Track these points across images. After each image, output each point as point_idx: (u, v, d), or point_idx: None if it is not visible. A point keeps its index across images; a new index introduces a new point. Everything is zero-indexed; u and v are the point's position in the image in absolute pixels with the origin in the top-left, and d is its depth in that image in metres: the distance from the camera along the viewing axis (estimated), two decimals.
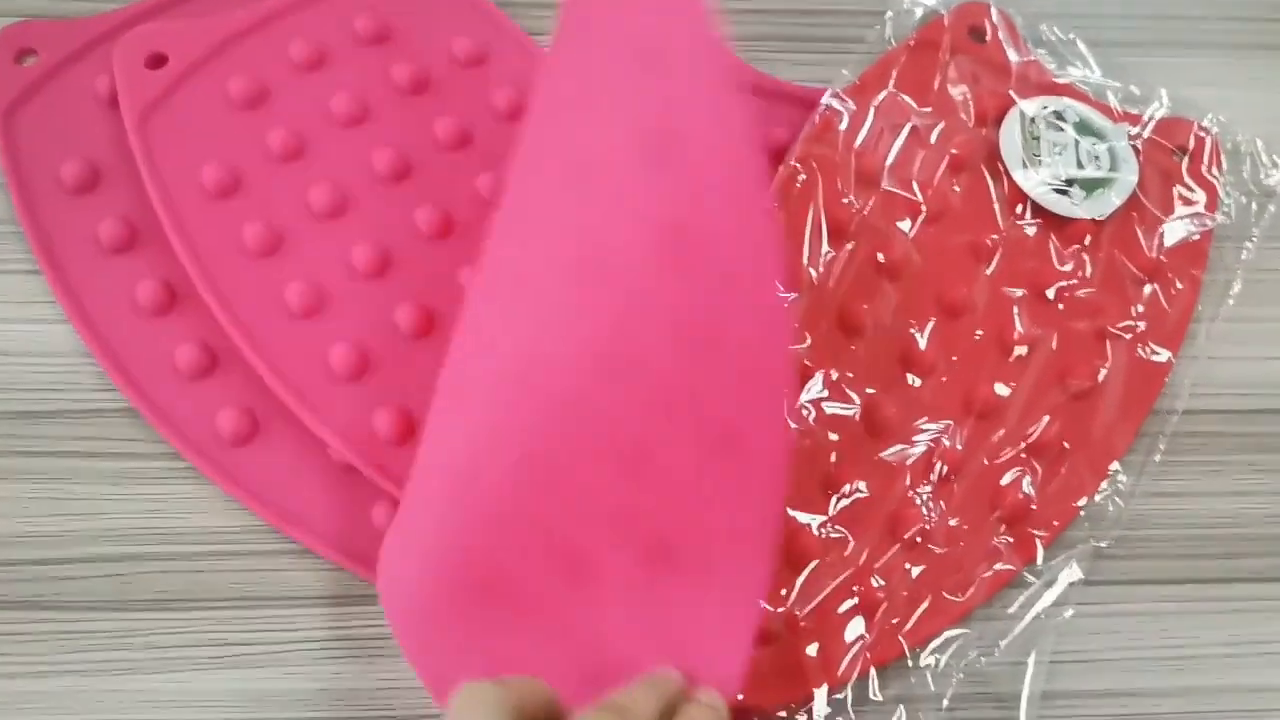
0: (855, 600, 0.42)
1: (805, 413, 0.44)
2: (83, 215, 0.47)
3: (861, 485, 0.44)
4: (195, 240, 0.44)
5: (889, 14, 0.52)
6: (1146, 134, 0.50)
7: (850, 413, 0.45)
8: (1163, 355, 0.46)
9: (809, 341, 0.45)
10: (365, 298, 0.45)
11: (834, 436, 0.44)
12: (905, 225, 0.48)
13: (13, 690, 0.39)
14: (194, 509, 0.43)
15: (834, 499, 0.43)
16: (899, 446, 0.44)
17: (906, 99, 0.50)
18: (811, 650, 0.41)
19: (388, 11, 0.50)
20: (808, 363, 0.45)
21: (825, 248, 0.47)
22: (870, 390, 0.45)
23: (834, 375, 0.45)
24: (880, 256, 0.47)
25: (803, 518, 0.43)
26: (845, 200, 0.48)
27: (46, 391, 0.44)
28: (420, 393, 0.39)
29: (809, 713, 0.41)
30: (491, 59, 0.50)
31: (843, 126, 0.49)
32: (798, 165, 0.48)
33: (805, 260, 0.46)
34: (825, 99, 0.49)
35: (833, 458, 0.44)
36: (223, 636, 0.41)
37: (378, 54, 0.49)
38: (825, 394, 0.45)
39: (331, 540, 0.42)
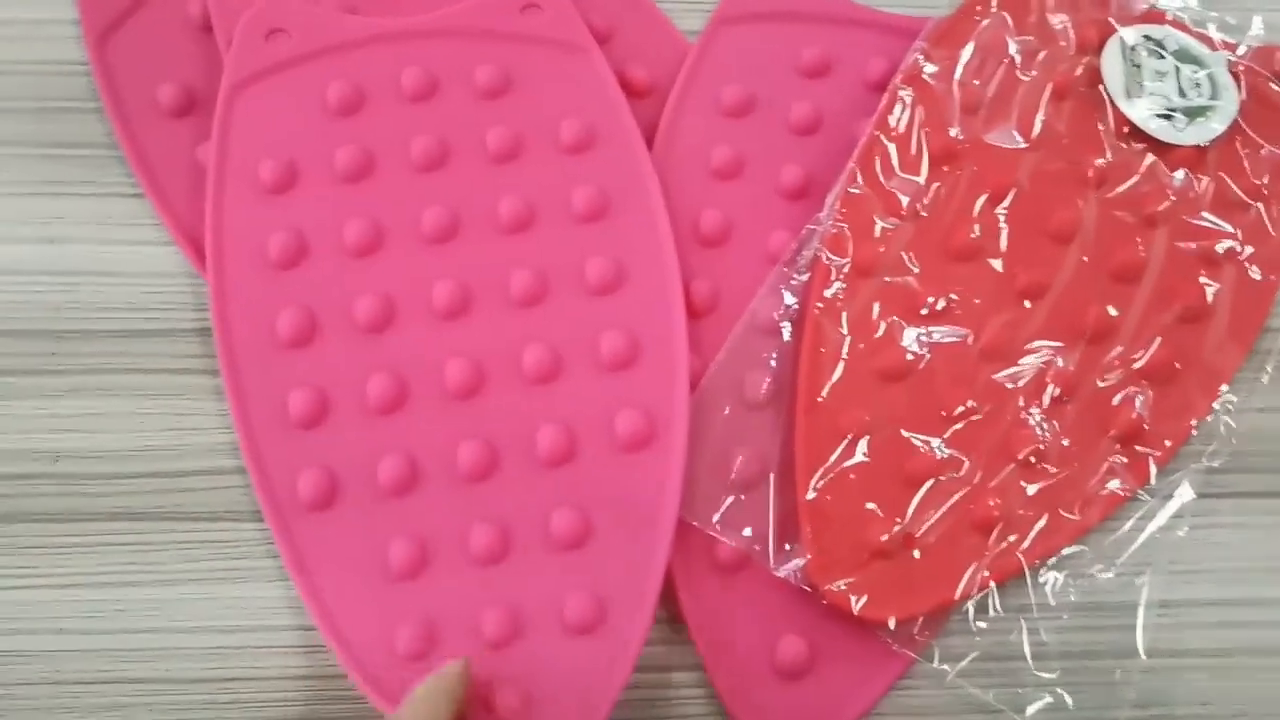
0: (973, 518, 0.42)
1: (919, 336, 0.44)
2: (181, 137, 0.46)
3: (974, 406, 0.43)
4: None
5: None
6: (1244, 61, 0.50)
7: (961, 337, 0.44)
8: (1269, 276, 0.46)
9: (919, 269, 0.45)
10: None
11: (945, 361, 0.44)
12: (1010, 152, 0.47)
13: (140, 598, 0.40)
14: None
15: (948, 420, 0.43)
16: (1011, 369, 0.44)
17: (1007, 27, 0.49)
18: (929, 566, 0.41)
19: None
20: (918, 288, 0.45)
21: (930, 177, 0.47)
22: (980, 315, 0.45)
23: (944, 301, 0.45)
24: (986, 184, 0.47)
25: (917, 439, 0.43)
26: (948, 130, 0.47)
27: (155, 311, 0.44)
28: None
29: (927, 627, 0.41)
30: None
31: (942, 58, 0.48)
32: (900, 96, 0.47)
33: (911, 189, 0.46)
34: (926, 30, 0.49)
35: (943, 379, 0.44)
36: None
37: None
38: (936, 316, 0.44)
39: None
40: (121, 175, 0.45)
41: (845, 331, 0.44)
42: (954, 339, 0.44)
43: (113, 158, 0.46)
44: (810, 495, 0.41)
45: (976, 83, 0.48)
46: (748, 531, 0.41)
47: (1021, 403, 0.44)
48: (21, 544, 0.40)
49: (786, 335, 0.44)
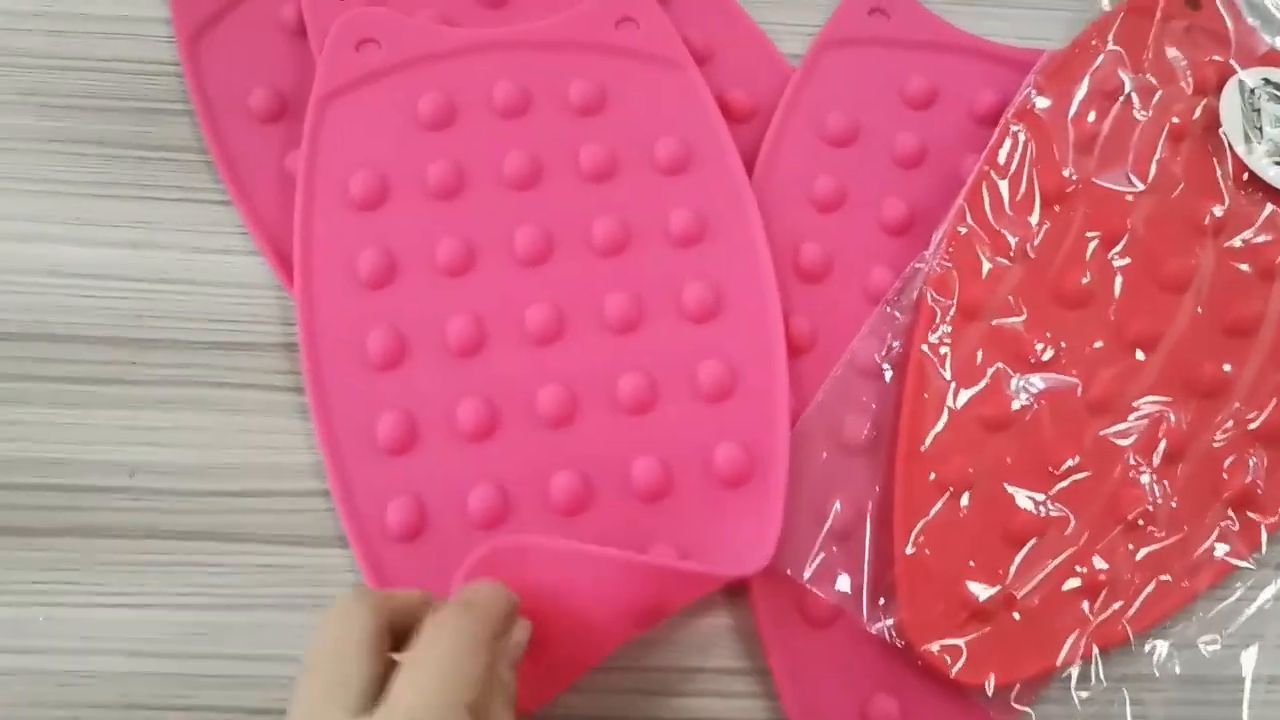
0: (1077, 581, 0.40)
1: (1025, 386, 0.42)
2: (271, 144, 0.45)
3: (1081, 462, 0.42)
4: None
5: None
6: None
7: (1070, 387, 0.42)
8: None
9: (1026, 314, 0.43)
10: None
11: (1052, 412, 0.42)
12: (1124, 195, 0.45)
13: (215, 621, 0.38)
14: None
15: (1053, 476, 0.41)
16: (1121, 424, 0.42)
17: (1123, 63, 0.48)
18: (1030, 630, 0.39)
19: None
20: (1026, 334, 0.43)
21: (1040, 217, 0.45)
22: (1090, 365, 0.43)
23: (1051, 349, 0.43)
24: (1098, 227, 0.45)
25: (1021, 494, 0.41)
26: (1060, 169, 0.45)
27: (239, 323, 0.43)
28: None
29: (1026, 693, 0.39)
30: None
31: (1055, 93, 0.47)
32: (1011, 131, 0.45)
33: (1021, 229, 0.44)
34: (1040, 63, 0.47)
35: (1050, 431, 0.42)
36: None
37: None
38: (1043, 365, 0.43)
39: None
40: (210, 181, 0.44)
41: (949, 377, 0.42)
42: (1062, 388, 0.42)
43: (202, 162, 0.45)
44: (909, 549, 0.39)
45: (1090, 120, 0.46)
46: (841, 584, 0.40)
47: (1130, 460, 0.42)
48: (98, 559, 0.39)
49: (888, 378, 0.43)
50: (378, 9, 0.45)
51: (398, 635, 0.29)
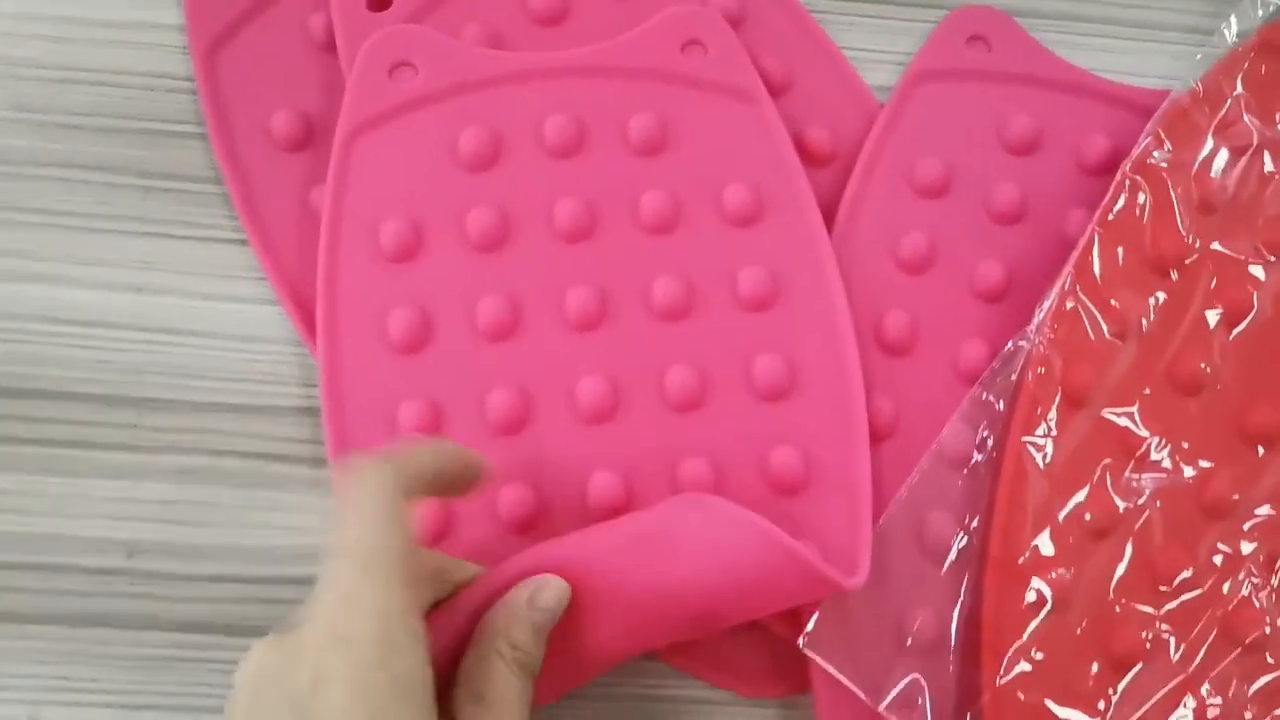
0: (1187, 715, 0.36)
1: (1134, 485, 0.37)
2: (294, 175, 0.40)
3: (1194, 576, 0.37)
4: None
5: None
6: None
7: (1183, 488, 0.38)
8: None
9: (1139, 403, 0.38)
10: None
11: (1164, 516, 0.37)
12: (1254, 267, 0.40)
13: None
14: None
15: (1163, 592, 0.37)
16: (1238, 533, 0.38)
17: (1253, 113, 0.42)
18: None
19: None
20: (1133, 426, 0.38)
21: (1157, 287, 0.40)
22: (1206, 463, 0.38)
23: (1165, 442, 0.38)
24: (1220, 301, 0.40)
25: (1128, 612, 0.36)
26: (1181, 233, 0.40)
27: (252, 383, 0.38)
28: None
29: None
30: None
31: (1178, 144, 0.41)
32: (1125, 188, 0.40)
33: (1135, 303, 0.39)
34: (1161, 110, 0.42)
35: (1161, 539, 0.37)
36: None
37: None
38: (1155, 463, 0.38)
39: None
40: (224, 216, 0.40)
41: (1051, 477, 0.37)
42: (1175, 489, 0.38)
43: (216, 195, 0.40)
44: (1001, 679, 0.35)
45: (1215, 177, 0.41)
46: (922, 713, 0.35)
47: (1248, 576, 0.37)
48: (91, 652, 0.35)
49: (981, 473, 0.38)
50: (413, 27, 0.40)
51: None
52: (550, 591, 0.30)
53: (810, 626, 0.34)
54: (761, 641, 0.37)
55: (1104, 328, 0.39)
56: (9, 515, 0.36)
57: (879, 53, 0.44)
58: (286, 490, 0.37)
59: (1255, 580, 0.37)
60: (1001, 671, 0.35)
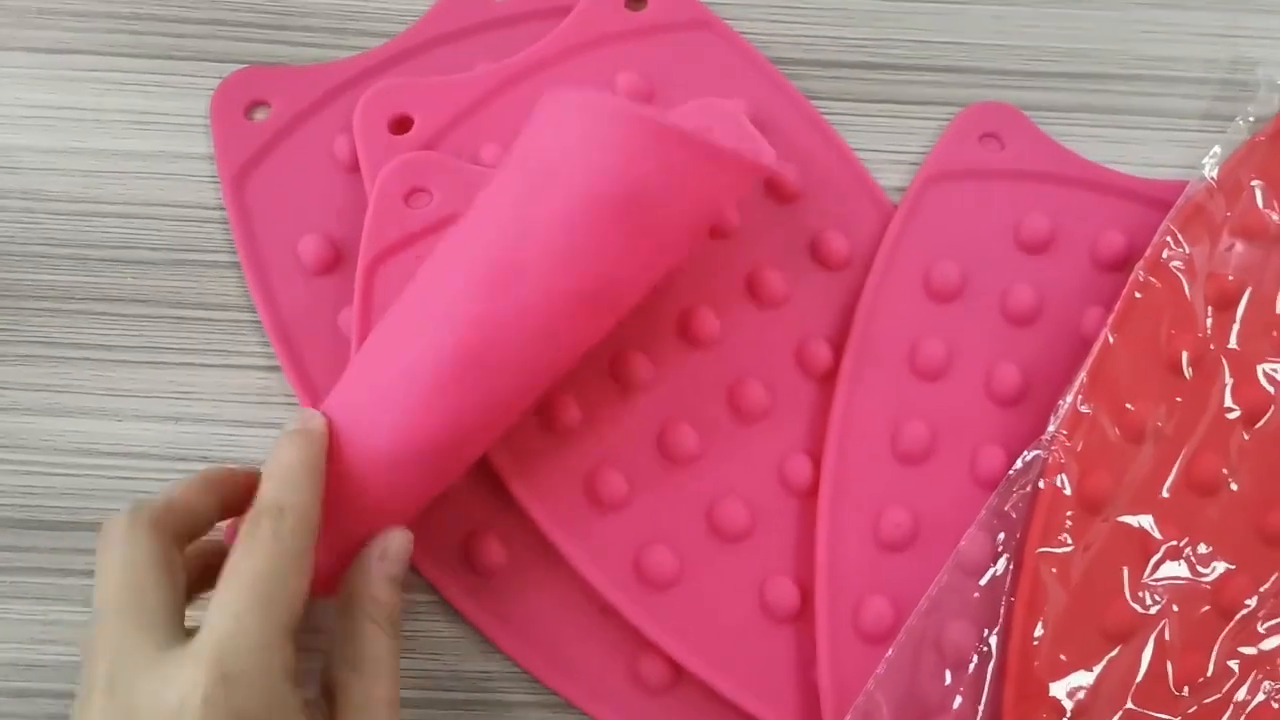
0: None
1: (1150, 588, 0.38)
2: (324, 299, 0.41)
3: (1212, 680, 0.37)
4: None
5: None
6: None
7: (1201, 592, 0.38)
8: None
9: (1156, 507, 0.39)
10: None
11: (1181, 619, 0.38)
12: (1272, 365, 0.40)
13: None
14: (447, 649, 0.38)
15: (1179, 699, 0.37)
16: (1256, 635, 0.38)
17: (1270, 205, 0.42)
18: None
19: (652, 71, 0.43)
20: (1151, 530, 0.38)
21: (1174, 389, 0.40)
22: (1224, 564, 0.39)
23: (1182, 545, 0.38)
24: (1239, 401, 0.40)
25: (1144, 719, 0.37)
26: (1198, 331, 0.40)
27: None
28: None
29: None
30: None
31: (1193, 240, 0.42)
32: (1139, 289, 0.40)
33: (1151, 404, 0.40)
34: (1176, 205, 0.42)
35: (1179, 644, 0.38)
36: None
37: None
38: (1174, 567, 0.38)
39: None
40: (257, 343, 0.41)
41: (1068, 585, 0.38)
42: (1191, 591, 0.38)
43: (249, 322, 0.41)
44: None
45: (1231, 278, 0.41)
46: None
47: (1266, 678, 0.38)
48: None
49: (1000, 583, 0.38)
50: (427, 154, 0.40)
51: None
52: (396, 542, 0.32)
53: None
54: None
55: (1120, 432, 0.39)
56: (62, 648, 0.37)
57: (892, 153, 0.44)
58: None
59: (1274, 684, 0.38)
60: None
